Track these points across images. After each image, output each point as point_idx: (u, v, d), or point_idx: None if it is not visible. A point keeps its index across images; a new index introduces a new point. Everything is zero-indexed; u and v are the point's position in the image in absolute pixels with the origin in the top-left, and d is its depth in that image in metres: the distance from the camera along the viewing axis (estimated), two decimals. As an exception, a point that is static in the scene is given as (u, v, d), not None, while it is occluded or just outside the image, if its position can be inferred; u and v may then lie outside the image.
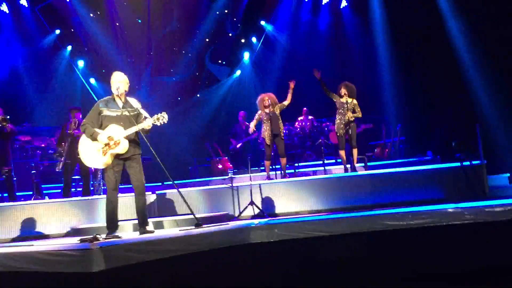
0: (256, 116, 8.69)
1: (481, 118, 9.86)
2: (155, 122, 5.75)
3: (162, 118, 5.77)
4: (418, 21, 11.28)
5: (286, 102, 8.62)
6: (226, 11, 13.98)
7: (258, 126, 8.93)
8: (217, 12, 13.81)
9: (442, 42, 11.17)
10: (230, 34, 14.29)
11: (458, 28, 11.00)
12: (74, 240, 5.44)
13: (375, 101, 12.41)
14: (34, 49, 12.58)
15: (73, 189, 8.87)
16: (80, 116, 8.52)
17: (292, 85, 8.59)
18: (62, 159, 8.40)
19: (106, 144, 5.60)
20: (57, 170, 8.56)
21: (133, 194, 5.90)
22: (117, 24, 13.31)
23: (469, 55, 10.71)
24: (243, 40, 14.46)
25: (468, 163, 7.33)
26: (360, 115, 8.54)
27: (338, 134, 8.56)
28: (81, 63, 13.65)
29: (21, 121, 11.28)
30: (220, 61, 14.75)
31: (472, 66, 10.67)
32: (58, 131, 9.35)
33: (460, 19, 10.91)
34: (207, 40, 14.16)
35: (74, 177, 8.99)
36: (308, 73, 13.19)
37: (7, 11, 12.01)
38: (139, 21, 13.32)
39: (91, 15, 13.05)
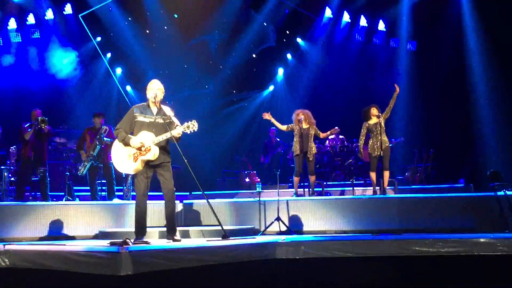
0: (290, 125, 8.75)
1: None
2: (185, 130, 5.77)
3: (193, 126, 5.77)
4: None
5: (321, 134, 8.78)
6: (265, 24, 13.99)
7: (285, 138, 9.01)
8: (264, 24, 13.83)
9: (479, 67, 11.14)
10: (273, 45, 14.30)
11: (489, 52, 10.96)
12: (103, 243, 5.53)
13: (408, 125, 12.30)
14: (76, 55, 12.94)
15: (103, 193, 9.03)
16: (103, 122, 8.75)
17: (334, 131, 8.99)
18: (87, 163, 8.57)
19: (138, 149, 5.69)
20: (79, 174, 8.73)
21: (161, 201, 5.96)
22: (147, 31, 13.53)
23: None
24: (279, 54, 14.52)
25: (502, 193, 7.15)
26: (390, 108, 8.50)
27: (372, 155, 8.47)
28: (119, 70, 14.00)
29: (59, 123, 11.60)
30: (255, 73, 14.81)
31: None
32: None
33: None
34: (250, 54, 14.26)
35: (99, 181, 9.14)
36: (340, 92, 13.36)
37: (52, 17, 12.42)
38: (176, 16, 13.38)
39: (129, 23, 13.35)
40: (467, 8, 11.76)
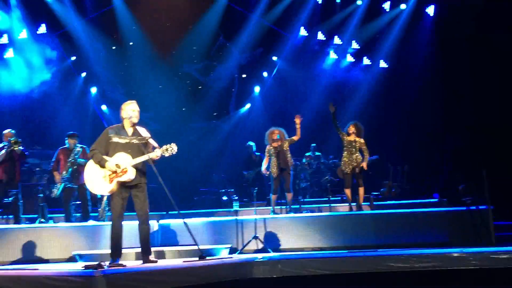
0: (266, 154, 8.77)
1: (492, 163, 9.84)
2: (163, 153, 5.76)
3: (171, 149, 5.77)
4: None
5: (295, 138, 8.67)
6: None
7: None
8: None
9: (449, 84, 11.41)
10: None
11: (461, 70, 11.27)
12: (78, 266, 5.45)
13: (382, 141, 12.50)
14: (49, 75, 12.81)
15: (78, 214, 8.89)
16: (77, 143, 8.66)
17: (298, 120, 8.61)
18: (61, 184, 8.47)
19: (114, 172, 5.65)
20: (53, 196, 8.60)
21: (137, 221, 5.91)
22: (121, 49, 13.57)
23: (479, 98, 10.85)
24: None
25: (474, 207, 7.30)
26: (367, 156, 8.61)
27: (345, 172, 8.58)
28: (93, 90, 13.90)
29: (32, 144, 11.40)
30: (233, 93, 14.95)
31: (481, 110, 10.78)
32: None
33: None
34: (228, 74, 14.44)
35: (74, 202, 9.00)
36: (316, 110, 13.51)
37: (26, 37, 12.30)
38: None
39: (104, 41, 13.38)
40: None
